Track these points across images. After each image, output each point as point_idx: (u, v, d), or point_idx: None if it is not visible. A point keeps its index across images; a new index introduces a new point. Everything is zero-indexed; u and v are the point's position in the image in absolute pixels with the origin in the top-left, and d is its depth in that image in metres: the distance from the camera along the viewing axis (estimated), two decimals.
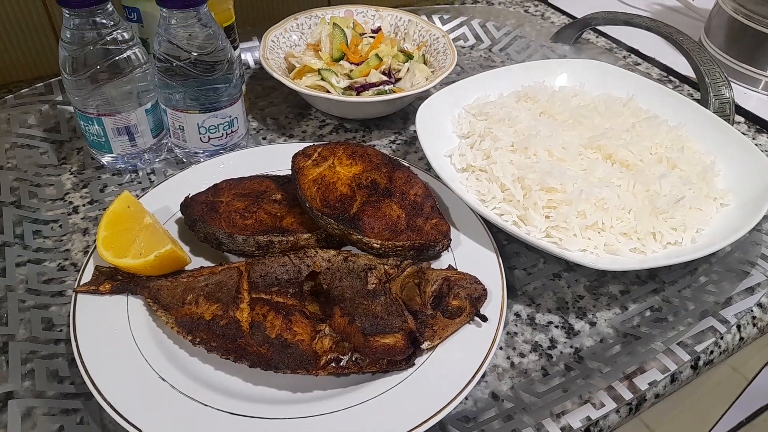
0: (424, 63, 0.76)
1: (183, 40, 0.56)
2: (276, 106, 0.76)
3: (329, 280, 0.48)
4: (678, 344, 0.49)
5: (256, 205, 0.54)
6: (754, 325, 0.53)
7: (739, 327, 0.53)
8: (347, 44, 0.72)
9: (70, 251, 0.56)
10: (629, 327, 0.52)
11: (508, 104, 0.67)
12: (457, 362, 0.45)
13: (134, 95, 0.60)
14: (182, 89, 0.59)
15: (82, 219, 0.59)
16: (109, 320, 0.47)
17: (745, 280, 0.55)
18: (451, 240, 0.53)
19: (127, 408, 0.40)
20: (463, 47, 0.90)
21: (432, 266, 0.51)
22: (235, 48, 0.68)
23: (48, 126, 0.69)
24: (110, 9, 0.56)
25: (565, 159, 0.59)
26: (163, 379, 0.43)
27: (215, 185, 0.57)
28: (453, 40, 0.91)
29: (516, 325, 0.52)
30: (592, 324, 0.53)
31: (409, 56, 0.75)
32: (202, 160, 0.64)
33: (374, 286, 0.47)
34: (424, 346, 0.45)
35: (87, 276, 0.49)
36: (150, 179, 0.64)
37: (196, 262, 0.53)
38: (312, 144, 0.57)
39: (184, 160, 0.66)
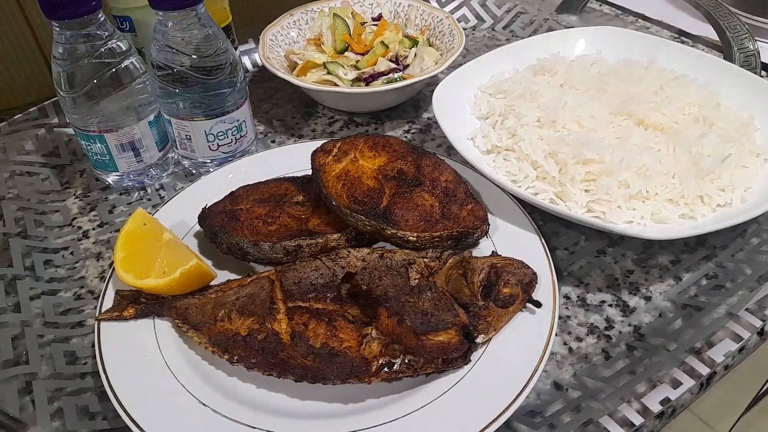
0: (430, 46, 0.73)
1: (182, 43, 0.53)
2: (281, 107, 0.73)
3: (368, 280, 0.45)
4: (746, 310, 0.46)
5: (279, 209, 0.51)
6: None
7: None
8: (350, 34, 0.69)
9: (86, 278, 0.53)
10: (687, 298, 0.49)
11: (526, 79, 0.64)
12: (515, 354, 0.42)
13: (135, 108, 0.57)
14: (186, 96, 0.55)
15: (93, 243, 0.56)
16: (137, 347, 0.43)
17: None
18: (488, 225, 0.50)
19: None
20: (465, 29, 0.87)
21: (473, 254, 0.48)
22: (234, 48, 0.65)
23: (47, 151, 0.66)
24: (102, 19, 0.52)
25: (597, 129, 0.56)
26: (204, 404, 0.40)
27: (232, 193, 0.53)
28: None
29: (567, 308, 0.49)
30: (647, 299, 0.49)
31: (414, 41, 0.72)
32: (212, 169, 0.61)
33: (417, 281, 0.44)
34: (479, 339, 0.42)
35: (108, 302, 0.46)
36: (160, 195, 0.61)
37: (222, 276, 0.50)
38: (330, 139, 0.53)
39: (193, 171, 0.63)
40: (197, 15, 0.53)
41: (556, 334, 0.47)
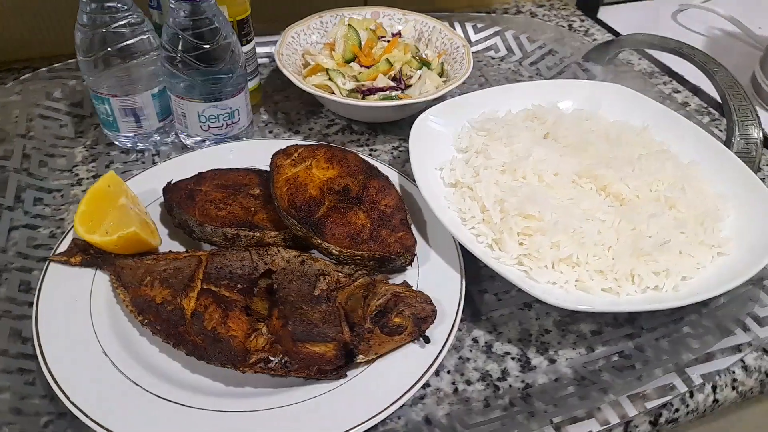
0: (442, 72, 0.75)
1: (188, 31, 0.58)
2: (290, 102, 0.77)
3: (280, 281, 0.48)
4: (628, 396, 0.46)
5: (233, 197, 0.55)
6: (734, 388, 0.49)
7: (714, 388, 0.49)
8: (360, 46, 0.72)
9: (65, 221, 0.59)
10: (589, 370, 0.49)
11: (513, 122, 0.65)
12: (392, 380, 0.44)
13: (143, 79, 0.63)
14: (186, 78, 0.61)
15: (82, 192, 0.63)
16: (72, 291, 0.49)
17: (726, 339, 0.51)
18: (414, 255, 0.52)
19: (63, 375, 0.43)
20: (493, 58, 0.88)
21: (391, 281, 0.50)
22: (248, 41, 0.70)
23: (73, 100, 0.73)
24: None
25: (554, 186, 0.56)
26: (105, 354, 0.45)
27: (200, 174, 0.58)
28: (483, 50, 0.89)
29: (471, 351, 0.51)
30: (552, 361, 0.50)
31: (425, 63, 0.74)
32: (207, 145, 0.66)
33: (320, 292, 0.47)
34: (359, 359, 0.44)
35: (64, 247, 0.52)
36: (154, 160, 0.67)
37: (172, 246, 0.55)
38: (295, 144, 0.57)
39: (187, 144, 0.68)
40: (207, 6, 0.58)
41: (448, 372, 0.49)
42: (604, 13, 1.03)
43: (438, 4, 0.99)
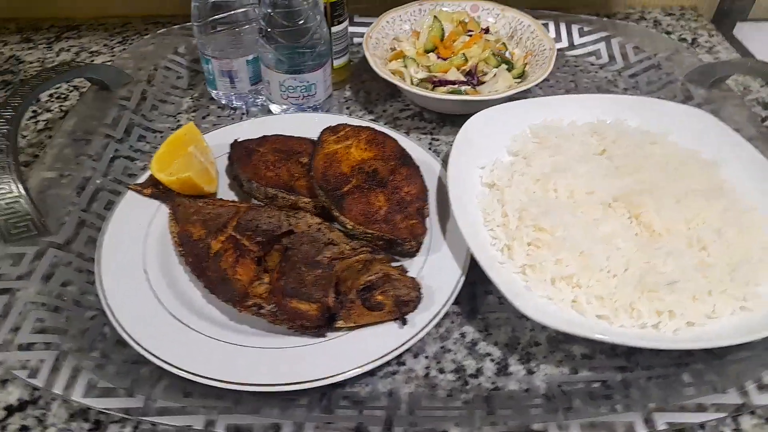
0: (523, 72, 0.75)
1: (277, 8, 0.65)
2: (375, 83, 0.82)
3: (294, 242, 0.54)
4: (580, 424, 0.45)
5: (284, 162, 0.62)
6: None
7: None
8: (442, 39, 0.74)
9: None
10: (562, 390, 0.50)
11: (569, 134, 0.64)
12: (364, 350, 0.49)
13: (240, 46, 0.71)
14: (271, 50, 0.68)
15: None
16: (138, 216, 0.60)
17: (717, 395, 0.47)
18: (421, 244, 0.55)
19: (107, 280, 0.53)
20: (593, 65, 0.85)
21: (393, 264, 0.54)
22: (340, 22, 0.75)
23: (193, 57, 0.85)
24: None
25: (582, 204, 0.56)
26: (145, 271, 0.55)
27: (264, 136, 0.66)
28: (584, 55, 0.86)
29: (454, 344, 0.53)
30: (530, 372, 0.51)
31: (506, 62, 0.74)
32: (288, 112, 0.74)
33: (323, 259, 0.52)
34: (338, 324, 0.49)
35: (143, 179, 0.63)
36: (241, 117, 0.76)
37: (228, 195, 0.64)
38: (345, 123, 0.62)
39: (271, 109, 0.76)
40: None
41: (426, 357, 0.52)
42: (742, 30, 0.93)
43: (553, 2, 0.97)
